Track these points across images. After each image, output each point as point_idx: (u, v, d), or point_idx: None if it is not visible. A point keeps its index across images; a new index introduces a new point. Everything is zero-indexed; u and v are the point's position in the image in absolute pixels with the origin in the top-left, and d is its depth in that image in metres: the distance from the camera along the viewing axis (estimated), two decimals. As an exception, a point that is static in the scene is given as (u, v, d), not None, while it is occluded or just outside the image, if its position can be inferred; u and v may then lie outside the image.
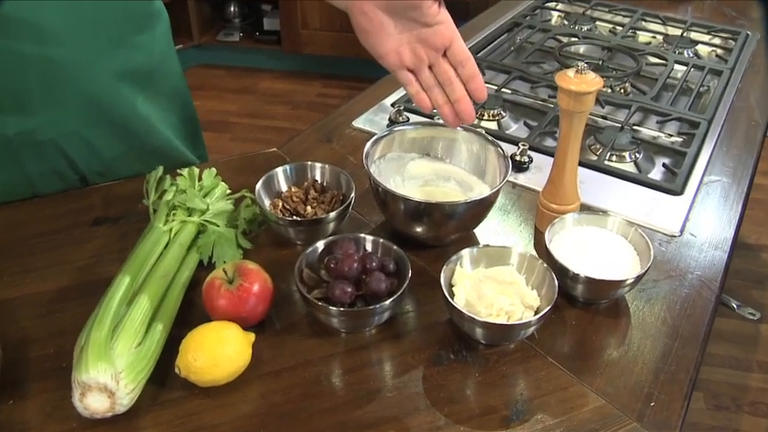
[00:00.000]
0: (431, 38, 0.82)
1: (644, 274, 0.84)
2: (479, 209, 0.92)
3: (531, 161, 1.13)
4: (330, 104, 3.19)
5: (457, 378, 0.78)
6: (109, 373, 0.68)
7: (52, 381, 0.76)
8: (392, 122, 1.23)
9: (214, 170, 0.98)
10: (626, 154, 1.19)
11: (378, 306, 0.78)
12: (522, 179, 1.11)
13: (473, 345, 0.82)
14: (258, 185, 0.95)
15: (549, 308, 0.78)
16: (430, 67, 0.86)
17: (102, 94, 0.97)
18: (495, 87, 1.40)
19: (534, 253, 0.95)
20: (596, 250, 0.89)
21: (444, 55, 0.85)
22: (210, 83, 3.56)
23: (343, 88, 3.38)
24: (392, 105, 1.29)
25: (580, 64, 0.88)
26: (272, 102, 3.38)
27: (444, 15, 0.81)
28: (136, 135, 1.04)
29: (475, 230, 0.99)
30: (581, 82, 0.87)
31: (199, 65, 3.69)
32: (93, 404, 0.69)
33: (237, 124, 3.21)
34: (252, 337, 0.78)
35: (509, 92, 1.39)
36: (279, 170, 0.99)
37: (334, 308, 0.77)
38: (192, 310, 0.84)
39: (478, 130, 1.00)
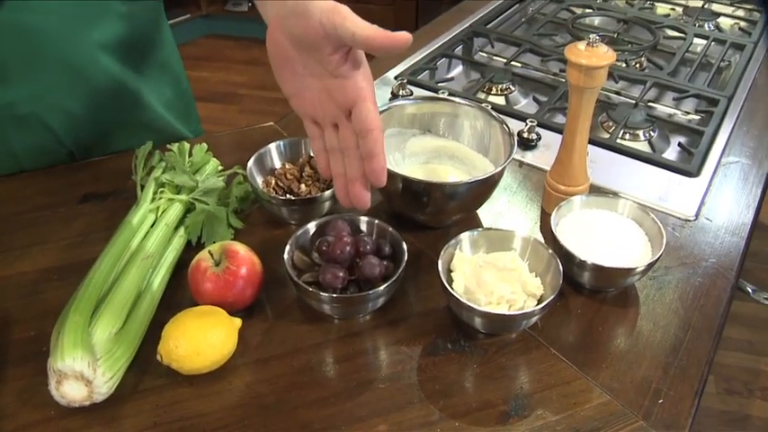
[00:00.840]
0: (334, 91, 0.67)
1: (655, 261, 0.79)
2: (482, 189, 0.88)
3: (540, 139, 1.08)
4: (338, 75, 3.13)
5: (453, 369, 0.74)
6: (86, 360, 0.65)
7: (31, 365, 0.72)
8: (394, 96, 1.18)
9: (205, 146, 0.94)
10: (640, 132, 1.13)
11: (371, 292, 0.74)
12: (529, 157, 1.06)
13: (472, 333, 0.78)
14: (250, 162, 0.91)
15: (552, 297, 0.73)
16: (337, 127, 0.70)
17: (86, 66, 0.93)
18: (505, 60, 1.34)
19: (539, 237, 0.91)
20: (605, 235, 0.84)
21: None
22: (218, 54, 3.51)
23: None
24: (395, 78, 1.23)
25: (591, 36, 0.82)
26: (280, 73, 3.31)
27: (350, 72, 0.65)
28: (123, 109, 0.99)
29: (478, 212, 0.95)
30: (592, 55, 0.82)
31: (206, 35, 3.64)
32: (70, 393, 0.66)
33: (246, 96, 3.16)
34: (238, 323, 0.74)
35: (518, 65, 1.34)
36: (272, 146, 0.94)
37: (325, 294, 0.73)
38: (178, 293, 0.81)
39: (483, 105, 0.95)
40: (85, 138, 1.00)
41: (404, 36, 0.59)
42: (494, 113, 0.92)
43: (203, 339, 0.69)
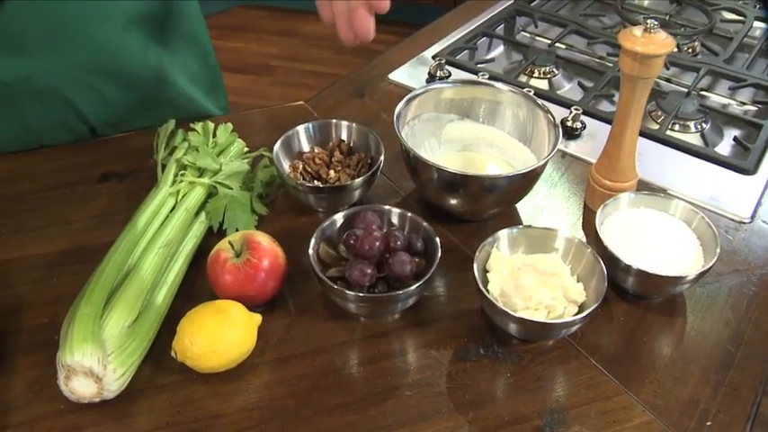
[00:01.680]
0: None
1: (708, 270, 0.73)
2: (523, 183, 0.82)
3: (584, 127, 1.02)
4: (376, 50, 3.04)
5: (485, 378, 0.69)
6: (95, 356, 0.61)
7: (43, 355, 0.69)
8: (432, 77, 1.12)
9: (230, 126, 0.89)
10: (691, 124, 1.06)
11: (400, 293, 0.69)
12: (572, 147, 1.00)
13: (506, 338, 0.73)
14: (277, 146, 0.86)
15: (595, 306, 0.68)
16: None
17: (109, 40, 0.88)
18: (549, 42, 1.27)
19: (581, 234, 0.85)
20: (653, 238, 0.78)
21: None
22: (251, 24, 3.45)
23: (389, 33, 3.22)
24: (433, 58, 1.17)
25: (649, 21, 0.76)
26: (314, 45, 3.25)
27: None
28: (148, 85, 0.95)
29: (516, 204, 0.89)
30: (649, 42, 0.75)
31: (240, 5, 3.57)
32: (79, 388, 0.62)
33: (278, 68, 3.11)
34: (258, 319, 0.70)
35: (563, 47, 1.27)
36: (300, 128, 0.89)
37: (351, 292, 0.69)
38: (197, 282, 0.77)
39: (527, 91, 0.89)
40: (107, 114, 0.96)
41: None
42: (539, 101, 0.86)
43: (220, 337, 0.65)
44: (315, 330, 0.73)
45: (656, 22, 0.76)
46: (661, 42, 0.75)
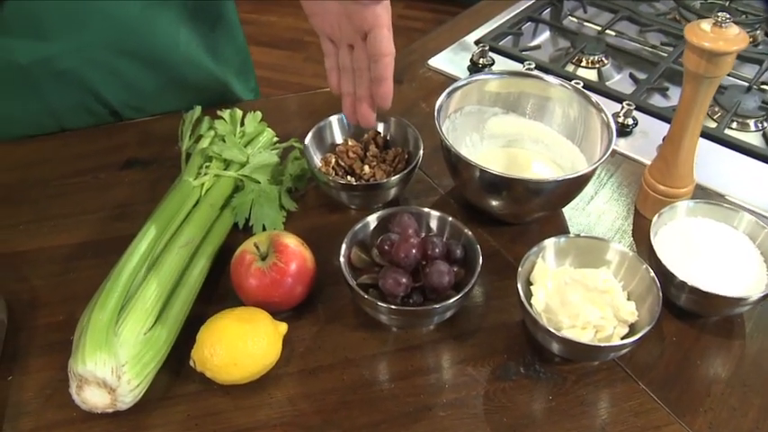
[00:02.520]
0: (353, 15, 0.68)
1: (774, 292, 0.67)
2: (572, 187, 0.76)
3: (636, 124, 0.95)
4: (412, 28, 2.96)
5: (525, 399, 0.64)
6: (109, 366, 0.57)
7: (57, 356, 0.66)
8: (474, 65, 1.06)
9: (259, 114, 0.84)
10: (751, 122, 0.99)
11: (437, 306, 0.64)
12: (623, 145, 0.93)
13: (549, 356, 0.68)
14: (308, 138, 0.81)
15: (648, 329, 0.62)
16: (352, 47, 0.72)
17: (134, 20, 0.84)
18: (599, 28, 1.20)
19: (631, 241, 0.79)
20: (713, 252, 0.72)
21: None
22: (285, -2, 3.37)
23: (427, 11, 3.14)
24: (476, 44, 1.11)
25: (720, 15, 0.69)
26: (351, 21, 3.17)
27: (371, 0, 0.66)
28: (174, 67, 0.90)
29: (561, 207, 0.83)
30: (718, 38, 0.68)
31: (276, -22, 3.50)
32: (92, 399, 0.59)
33: (313, 44, 3.01)
34: (283, 329, 0.66)
35: (613, 34, 1.19)
36: (334, 119, 0.84)
37: (383, 304, 0.64)
38: (220, 283, 0.73)
39: (576, 83, 0.82)
40: (130, 97, 0.91)
41: None
42: (592, 99, 0.79)
43: (242, 349, 0.61)
44: (344, 340, 0.69)
45: (727, 16, 0.68)
46: (732, 38, 0.68)
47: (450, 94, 0.80)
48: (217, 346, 0.61)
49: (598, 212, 0.84)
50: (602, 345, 0.63)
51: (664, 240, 0.73)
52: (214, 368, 0.61)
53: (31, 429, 0.62)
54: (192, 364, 0.62)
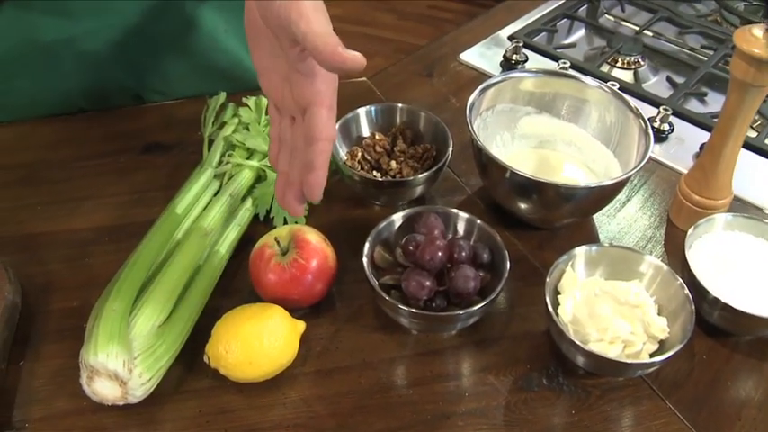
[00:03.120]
0: (294, 85, 0.58)
1: (813, 314, 0.64)
2: (605, 194, 0.73)
3: (672, 130, 0.92)
4: (442, 19, 2.92)
5: (547, 413, 0.62)
6: (121, 359, 0.56)
7: (70, 343, 0.64)
8: (507, 61, 1.03)
9: (286, 104, 0.82)
10: (793, 132, 0.95)
11: (461, 313, 0.62)
12: (657, 151, 0.90)
13: (573, 368, 0.65)
14: (335, 130, 0.79)
15: (679, 347, 0.60)
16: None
17: (158, 3, 0.81)
18: (636, 28, 1.16)
19: (663, 252, 0.77)
20: (749, 268, 0.69)
21: None
22: (315, -18, 3.33)
23: (459, 1, 3.10)
24: (509, 39, 1.08)
25: (772, 22, 0.66)
26: (378, 8, 3.12)
27: (310, 70, 0.55)
28: (199, 52, 0.88)
29: (592, 213, 0.81)
30: (770, 46, 0.65)
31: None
32: (102, 390, 0.57)
33: (340, 31, 2.98)
34: (302, 327, 0.64)
35: (650, 34, 1.16)
36: (361, 111, 0.82)
37: (405, 308, 0.62)
38: (238, 276, 0.71)
39: (613, 86, 0.79)
40: (153, 81, 0.90)
41: (354, 60, 0.50)
42: (631, 103, 0.76)
43: (258, 347, 0.59)
44: (362, 341, 0.67)
45: (781, 23, 0.65)
46: (785, 47, 0.65)
47: (482, 91, 0.78)
48: (232, 342, 0.59)
49: (629, 220, 0.81)
50: (631, 361, 0.61)
51: (698, 254, 0.70)
52: (228, 365, 0.59)
53: (41, 417, 0.60)
54: (205, 359, 0.61)
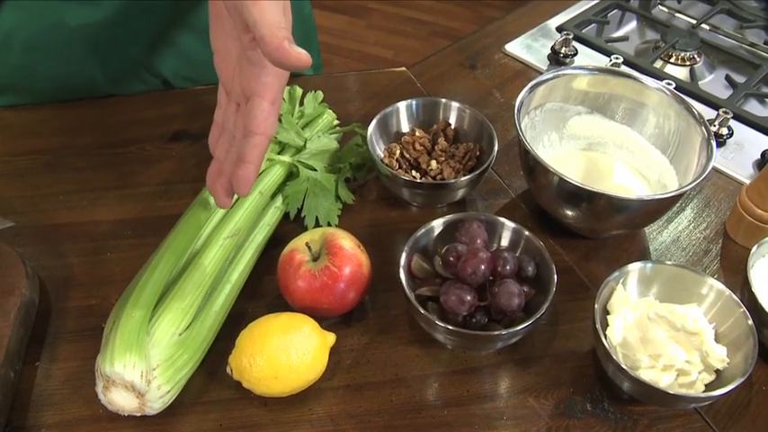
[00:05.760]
0: (243, 69, 0.56)
1: None
2: (660, 207, 0.68)
3: (731, 135, 0.86)
4: (485, 3, 2.84)
5: (591, 442, 0.58)
6: (138, 369, 0.52)
7: (87, 344, 0.62)
8: (555, 54, 0.97)
9: (321, 94, 0.78)
10: None
11: (504, 332, 0.57)
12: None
13: (619, 393, 0.61)
14: (372, 125, 0.74)
15: (740, 381, 0.55)
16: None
17: None
18: (692, 21, 1.10)
19: (717, 267, 0.71)
20: (818, 294, 0.64)
21: None
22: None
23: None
24: (558, 30, 1.02)
25: None
26: (413, -14, 3.07)
27: (260, 60, 0.53)
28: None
29: (643, 223, 0.75)
30: None
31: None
32: (118, 400, 0.54)
33: (376, 11, 2.93)
34: (332, 340, 0.60)
35: (707, 28, 1.09)
36: (401, 105, 0.77)
37: (442, 324, 0.57)
38: (265, 279, 0.67)
39: (669, 85, 0.74)
40: (182, 67, 0.86)
41: (299, 58, 0.47)
42: (694, 110, 0.71)
43: (285, 362, 0.55)
44: (395, 356, 0.63)
45: None
46: None
47: (532, 88, 0.73)
48: (257, 356, 0.55)
49: (682, 232, 0.76)
50: (685, 394, 0.56)
51: (761, 275, 0.65)
52: (252, 379, 0.55)
53: (55, 423, 0.57)
54: (228, 371, 0.57)
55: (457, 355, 0.63)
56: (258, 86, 0.54)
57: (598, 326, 0.58)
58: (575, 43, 0.98)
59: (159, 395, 0.53)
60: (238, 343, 0.57)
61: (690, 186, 0.65)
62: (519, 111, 0.70)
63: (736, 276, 0.69)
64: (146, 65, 0.84)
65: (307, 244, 0.61)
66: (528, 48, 1.00)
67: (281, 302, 0.63)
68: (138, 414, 0.55)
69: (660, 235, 0.75)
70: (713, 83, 1.00)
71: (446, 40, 0.98)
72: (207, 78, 0.87)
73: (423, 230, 0.64)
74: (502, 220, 0.65)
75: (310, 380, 0.57)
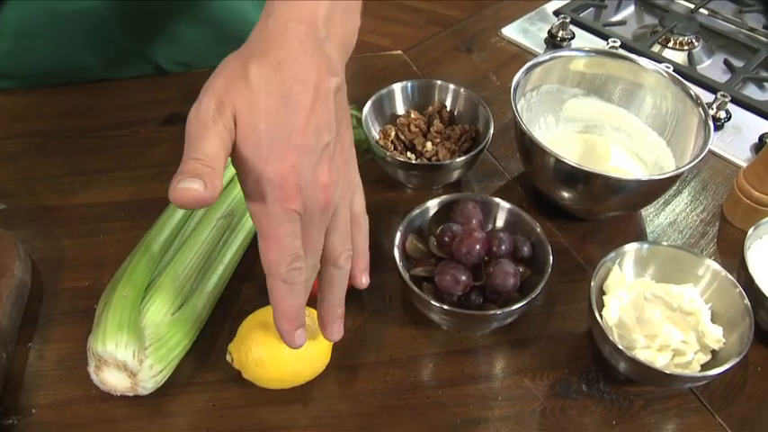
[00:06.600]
0: None
1: None
2: (657, 188, 0.68)
3: (729, 118, 0.86)
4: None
5: (586, 422, 0.57)
6: (131, 349, 0.52)
7: (80, 325, 0.61)
8: (552, 38, 0.97)
9: (316, 77, 0.77)
10: None
11: (498, 312, 0.57)
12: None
13: (615, 374, 0.60)
14: (367, 107, 0.74)
15: (735, 361, 0.54)
16: None
17: None
18: (690, 5, 1.09)
19: (714, 249, 0.71)
20: (814, 274, 0.63)
21: None
22: (350, -55, 3.25)
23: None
24: (555, 14, 1.01)
25: None
26: (411, -26, 3.05)
27: None
28: (226, 24, 0.83)
29: (640, 206, 0.75)
30: None
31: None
32: (110, 380, 0.53)
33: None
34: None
35: (706, 13, 1.08)
36: (397, 87, 0.77)
37: (437, 304, 0.57)
38: (259, 259, 0.66)
39: (667, 68, 0.73)
40: (177, 53, 0.85)
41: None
42: (692, 91, 0.70)
43: (289, 365, 0.54)
44: (390, 336, 0.62)
45: None
46: None
47: (529, 69, 0.72)
48: (263, 357, 0.53)
49: (679, 214, 0.75)
50: (680, 373, 0.56)
51: (758, 256, 0.65)
52: (255, 377, 0.55)
53: (48, 403, 0.57)
54: (228, 359, 0.56)
55: (452, 336, 0.63)
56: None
57: (594, 306, 0.58)
58: (572, 27, 0.98)
59: (151, 374, 0.53)
60: (240, 333, 0.56)
61: (688, 167, 0.64)
62: (515, 91, 0.70)
63: (733, 259, 0.68)
64: (139, 51, 0.84)
65: (301, 224, 0.61)
66: (525, 32, 0.99)
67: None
68: (131, 394, 0.54)
69: (657, 218, 0.75)
70: (711, 67, 1.00)
71: (444, 29, 0.98)
72: (201, 64, 0.86)
73: (418, 211, 0.64)
74: (497, 200, 0.64)
75: (311, 376, 0.57)
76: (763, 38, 1.02)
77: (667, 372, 0.55)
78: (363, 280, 0.55)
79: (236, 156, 0.45)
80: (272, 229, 0.45)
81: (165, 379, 0.55)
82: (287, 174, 0.44)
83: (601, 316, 0.59)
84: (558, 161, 0.65)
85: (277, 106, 0.44)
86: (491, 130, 0.72)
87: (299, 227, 0.46)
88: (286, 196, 0.44)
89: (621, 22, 1.06)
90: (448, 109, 0.77)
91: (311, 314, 0.56)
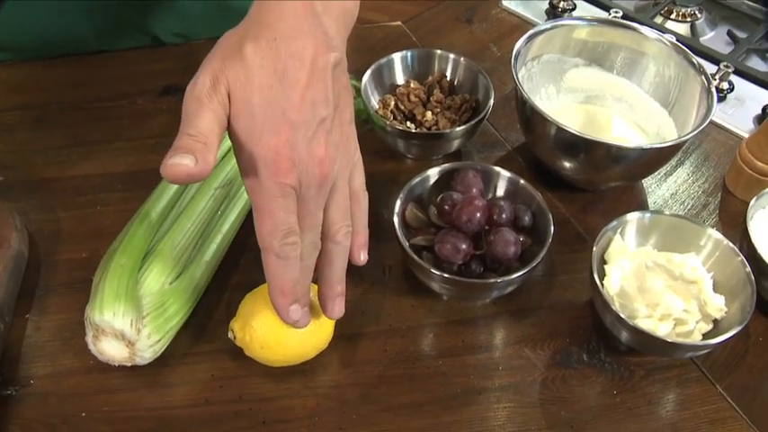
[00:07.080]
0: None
1: None
2: (659, 157, 0.67)
3: (732, 89, 0.85)
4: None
5: (587, 392, 0.57)
6: (128, 318, 0.51)
7: (78, 296, 0.60)
8: (553, 8, 0.96)
9: (315, 47, 0.76)
10: None
11: (499, 281, 0.57)
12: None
13: (616, 344, 0.60)
14: (366, 77, 0.73)
15: (737, 330, 0.54)
16: None
17: None
18: (694, -24, 1.07)
19: (716, 220, 0.70)
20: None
21: None
22: None
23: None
24: (557, -16, 1.00)
25: None
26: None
27: None
28: None
29: (641, 176, 0.74)
30: None
31: None
32: (108, 350, 0.53)
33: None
34: None
35: (710, -16, 1.07)
36: (396, 57, 0.76)
37: (437, 272, 0.56)
38: (258, 230, 0.66)
39: (671, 38, 0.72)
40: (175, 24, 0.84)
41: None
42: (695, 60, 0.69)
43: (294, 347, 0.54)
44: (390, 306, 0.62)
45: None
46: None
47: (530, 38, 0.71)
48: (268, 339, 0.52)
49: (681, 185, 0.75)
50: (682, 342, 0.55)
51: (760, 226, 0.64)
52: (259, 357, 0.54)
53: (45, 375, 0.56)
54: (230, 335, 0.55)
55: (452, 306, 0.62)
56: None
57: (595, 275, 0.57)
58: (574, -2, 0.97)
59: (149, 344, 0.53)
60: (240, 310, 0.55)
61: (690, 135, 0.64)
62: (516, 60, 0.69)
63: (735, 230, 0.68)
64: (136, 22, 0.82)
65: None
66: (525, 2, 0.98)
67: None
68: (129, 364, 0.54)
69: (659, 188, 0.74)
70: (715, 39, 0.99)
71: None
72: (199, 34, 0.85)
73: (417, 179, 0.63)
74: (497, 169, 0.64)
75: (313, 354, 0.56)
76: (766, 8, 1.01)
77: (669, 340, 0.55)
78: (362, 257, 0.55)
79: (231, 131, 0.45)
80: (266, 204, 0.45)
81: (164, 349, 0.55)
82: (281, 148, 0.44)
83: (602, 285, 0.58)
84: (560, 129, 0.64)
85: (271, 81, 0.44)
86: (491, 100, 0.71)
87: (294, 202, 0.46)
88: (280, 170, 0.44)
89: (623, -7, 1.04)
90: (448, 79, 0.76)
91: (316, 293, 0.56)
